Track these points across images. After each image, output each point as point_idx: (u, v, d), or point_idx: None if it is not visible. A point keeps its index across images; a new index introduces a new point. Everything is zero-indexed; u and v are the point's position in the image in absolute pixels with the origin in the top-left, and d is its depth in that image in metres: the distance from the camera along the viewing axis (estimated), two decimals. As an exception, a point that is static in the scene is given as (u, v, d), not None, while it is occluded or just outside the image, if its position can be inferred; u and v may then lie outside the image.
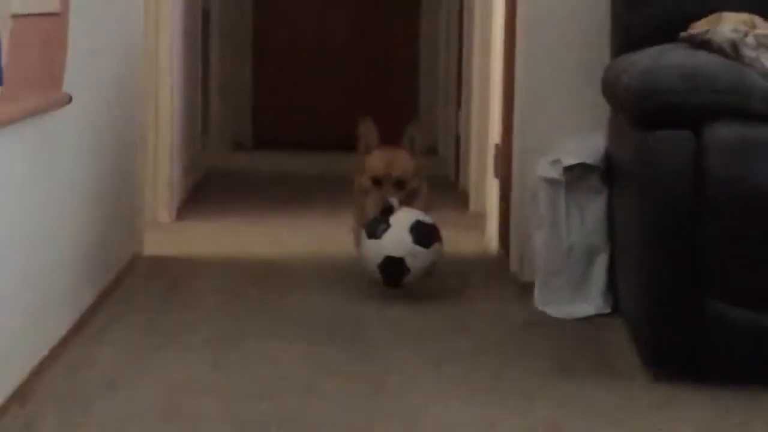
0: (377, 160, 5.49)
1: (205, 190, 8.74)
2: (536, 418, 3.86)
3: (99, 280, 5.30)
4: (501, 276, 5.99)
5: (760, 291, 4.24)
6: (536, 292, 5.35)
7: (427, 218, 5.31)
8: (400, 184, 5.40)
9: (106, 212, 5.44)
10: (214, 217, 7.67)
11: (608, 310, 5.18)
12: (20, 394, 3.90)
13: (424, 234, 5.21)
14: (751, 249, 4.24)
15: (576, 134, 5.41)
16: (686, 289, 4.28)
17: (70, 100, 4.48)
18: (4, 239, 3.70)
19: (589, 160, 5.18)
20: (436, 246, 5.26)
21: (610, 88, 4.92)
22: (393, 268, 5.14)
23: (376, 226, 5.21)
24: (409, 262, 5.11)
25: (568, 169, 5.20)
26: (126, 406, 3.94)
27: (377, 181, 5.39)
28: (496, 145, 6.56)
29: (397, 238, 5.14)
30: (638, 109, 4.43)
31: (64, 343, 4.54)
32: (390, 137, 5.83)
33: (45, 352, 4.29)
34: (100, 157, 5.34)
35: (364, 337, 4.85)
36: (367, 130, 5.62)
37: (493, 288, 5.72)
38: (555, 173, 5.23)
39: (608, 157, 5.20)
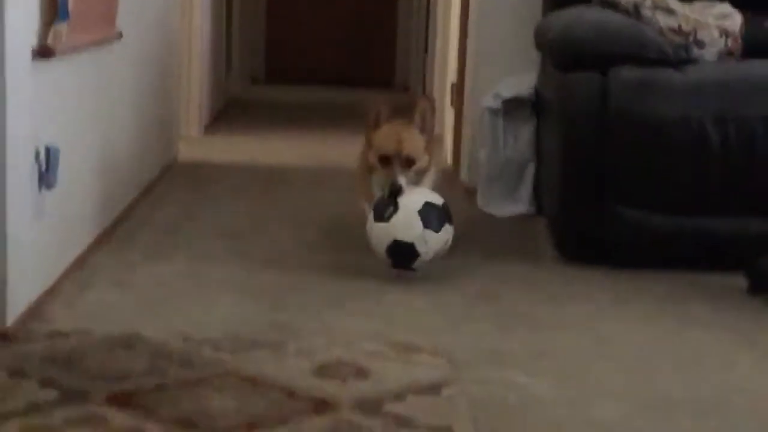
0: (386, 137, 4.12)
1: (227, 114, 8.78)
2: (476, 289, 3.96)
3: (145, 177, 5.38)
4: (453, 183, 6.03)
5: (647, 196, 4.34)
6: (479, 195, 5.45)
7: (436, 199, 4.03)
8: (409, 163, 4.07)
9: (150, 126, 5.53)
10: (232, 134, 7.74)
11: (534, 211, 5.26)
12: (79, 262, 3.97)
13: (434, 217, 3.96)
14: (642, 164, 4.34)
15: (513, 75, 5.46)
16: (592, 194, 4.37)
17: (121, 36, 4.55)
18: (74, 142, 3.77)
19: (522, 95, 5.29)
20: (446, 228, 4.02)
21: (540, 39, 4.97)
22: (402, 252, 3.95)
23: (383, 208, 3.95)
24: (419, 246, 3.92)
25: (506, 102, 5.29)
26: (161, 272, 4.03)
27: (385, 160, 4.07)
28: (453, 83, 6.64)
29: (405, 221, 3.90)
30: (559, 55, 4.58)
31: (116, 224, 4.62)
32: (399, 112, 4.57)
33: (100, 231, 4.37)
34: (145, 83, 5.41)
35: (344, 227, 4.83)
36: (377, 105, 4.23)
37: (447, 192, 5.76)
38: (496, 104, 5.31)
39: (537, 93, 5.25)
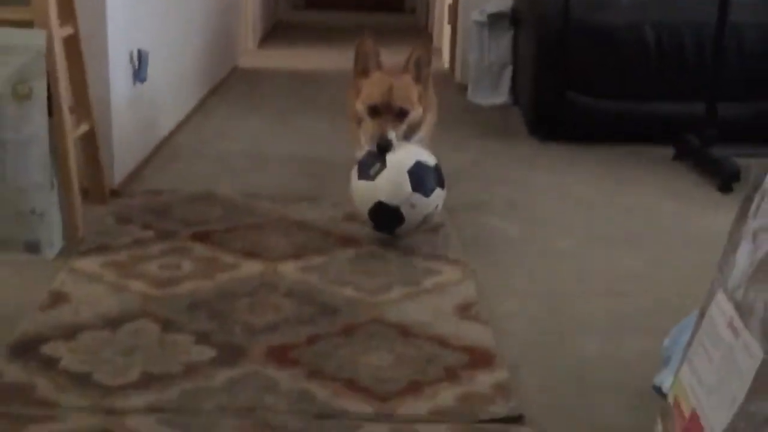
0: (376, 86, 2.93)
1: (275, 33, 8.66)
2: (466, 158, 4.00)
3: (214, 77, 5.37)
4: (449, 82, 6.01)
5: (598, 87, 4.34)
6: (469, 90, 5.43)
7: (429, 158, 2.84)
8: (401, 115, 2.90)
9: (218, 37, 5.50)
10: (280, 48, 7.65)
11: (511, 101, 5.25)
12: (166, 139, 4.02)
13: (425, 178, 2.78)
14: (595, 62, 4.34)
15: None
16: (555, 86, 4.38)
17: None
18: (160, 46, 3.78)
19: (503, 10, 5.22)
20: (437, 192, 2.82)
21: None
22: (386, 215, 2.78)
23: (369, 165, 2.79)
24: (405, 210, 2.76)
25: (490, 16, 5.24)
26: (227, 147, 4.07)
27: (375, 111, 2.90)
28: (449, 4, 6.52)
29: (393, 182, 2.75)
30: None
31: (193, 112, 4.65)
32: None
33: (180, 116, 4.41)
34: (214, 3, 5.33)
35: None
36: (367, 48, 2.99)
37: (445, 87, 5.76)
38: (482, 18, 5.26)
39: (514, 9, 5.19)
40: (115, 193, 3.19)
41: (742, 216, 1.46)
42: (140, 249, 2.71)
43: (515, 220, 3.18)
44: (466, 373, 2.06)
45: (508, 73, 5.25)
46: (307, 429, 1.81)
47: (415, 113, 2.93)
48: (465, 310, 2.39)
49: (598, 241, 3.00)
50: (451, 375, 2.04)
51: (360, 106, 2.93)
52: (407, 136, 2.92)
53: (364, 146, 2.93)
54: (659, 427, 1.49)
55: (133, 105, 3.44)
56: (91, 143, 2.98)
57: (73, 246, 2.69)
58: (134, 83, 3.45)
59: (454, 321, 2.32)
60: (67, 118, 2.69)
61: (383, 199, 2.75)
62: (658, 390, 1.83)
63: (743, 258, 1.40)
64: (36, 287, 2.40)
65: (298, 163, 3.84)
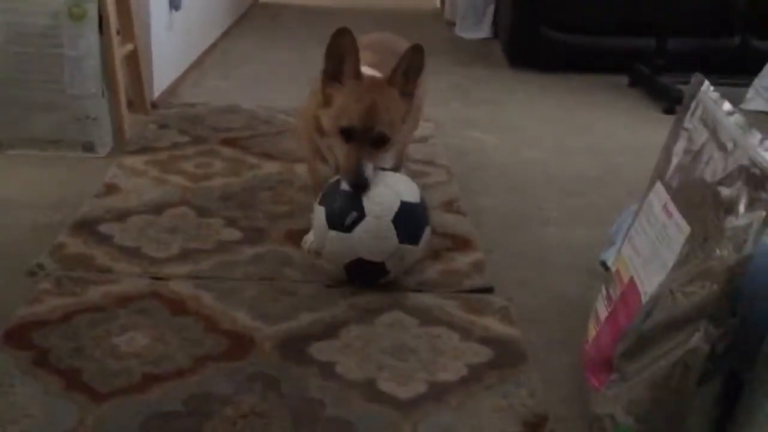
0: (353, 102, 1.84)
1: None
2: (452, 83, 3.98)
3: (239, 10, 5.28)
4: (439, 18, 5.92)
5: (567, 23, 4.29)
6: (456, 25, 5.34)
7: (413, 191, 1.91)
8: (381, 143, 1.87)
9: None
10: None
11: (492, 35, 5.17)
12: (197, 61, 3.99)
13: (412, 224, 1.88)
14: (564, 1, 4.27)
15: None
16: (531, 21, 4.33)
17: None
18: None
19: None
20: (426, 233, 1.93)
21: None
22: (367, 271, 1.87)
23: (342, 211, 1.83)
24: (391, 265, 1.87)
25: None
26: (251, 69, 4.05)
27: (349, 134, 1.84)
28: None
29: (375, 235, 1.82)
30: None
31: (220, 38, 4.59)
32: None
33: (210, 41, 4.36)
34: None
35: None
36: (345, 45, 1.85)
37: (435, 24, 5.68)
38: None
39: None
40: (154, 105, 3.19)
41: (679, 120, 1.49)
42: (178, 150, 2.74)
43: (493, 133, 3.20)
44: (447, 255, 2.12)
45: (491, 10, 5.17)
46: (317, 295, 1.87)
47: (397, 138, 1.89)
48: (449, 205, 2.44)
49: (562, 151, 3.04)
50: (435, 255, 2.10)
51: (330, 124, 1.84)
52: (381, 161, 1.89)
53: (326, 169, 1.97)
54: (603, 292, 1.55)
55: (169, 30, 3.41)
56: (134, 61, 2.97)
57: (121, 147, 2.71)
58: (171, 11, 3.41)
59: (439, 213, 2.37)
60: (115, 37, 2.68)
61: (364, 255, 1.82)
62: (604, 264, 1.89)
63: (679, 153, 1.44)
64: (92, 179, 2.43)
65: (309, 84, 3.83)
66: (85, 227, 2.12)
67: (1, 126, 2.60)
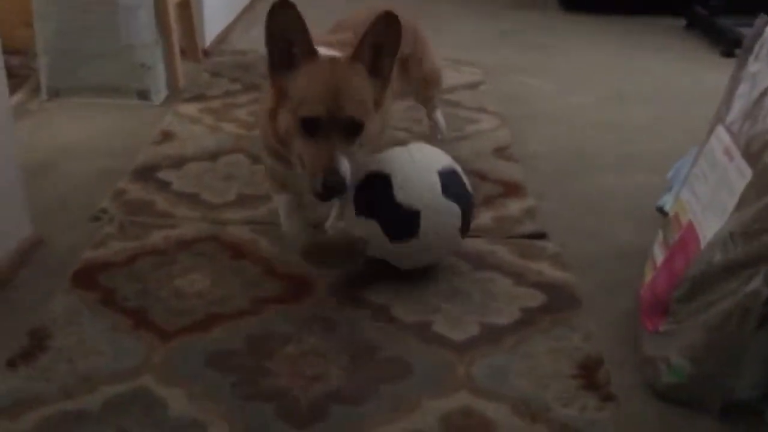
0: (313, 86, 1.45)
1: None
2: (503, 28, 3.91)
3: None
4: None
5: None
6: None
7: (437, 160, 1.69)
8: (352, 131, 1.47)
9: None
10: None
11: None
12: (246, 10, 3.99)
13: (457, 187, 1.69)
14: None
15: None
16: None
17: None
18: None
19: None
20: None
21: None
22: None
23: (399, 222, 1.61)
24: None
25: None
26: (302, 13, 4.01)
27: (314, 126, 1.45)
28: None
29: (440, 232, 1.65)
30: None
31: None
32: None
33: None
34: None
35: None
36: (289, 23, 1.45)
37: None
38: None
39: None
40: (206, 53, 3.22)
41: (742, 62, 1.46)
42: (230, 98, 2.77)
43: (544, 78, 3.15)
44: (500, 201, 2.12)
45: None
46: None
47: (372, 126, 1.52)
48: (500, 151, 2.43)
49: (616, 96, 2.98)
50: (488, 202, 2.11)
51: (288, 120, 1.48)
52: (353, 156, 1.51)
53: (292, 182, 1.65)
54: (660, 236, 1.55)
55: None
56: (186, 10, 2.99)
57: (176, 94, 2.76)
58: (220, -42, 3.42)
59: (491, 160, 2.37)
60: (167, -14, 2.70)
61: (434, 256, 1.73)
62: (661, 210, 1.88)
63: (741, 97, 1.41)
64: (148, 127, 2.49)
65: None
66: (145, 174, 2.17)
67: (59, 75, 2.66)
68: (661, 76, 3.25)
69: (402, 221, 1.62)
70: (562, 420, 1.34)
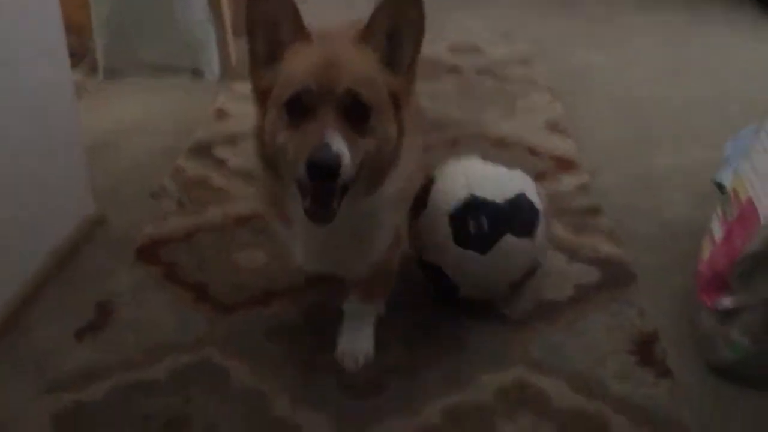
0: (303, 60, 1.14)
1: None
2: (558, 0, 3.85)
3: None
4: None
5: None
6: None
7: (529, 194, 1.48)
8: (355, 111, 1.11)
9: None
10: None
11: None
12: None
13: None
14: None
15: None
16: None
17: None
18: None
19: None
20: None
21: None
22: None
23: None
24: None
25: None
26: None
27: (302, 105, 1.11)
28: None
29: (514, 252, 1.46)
30: None
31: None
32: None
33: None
34: None
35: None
36: (274, 8, 1.17)
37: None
38: None
39: None
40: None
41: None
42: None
43: (600, 52, 3.10)
44: (553, 176, 2.12)
45: None
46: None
47: (390, 126, 1.18)
48: (553, 126, 2.42)
49: (674, 69, 2.93)
50: (540, 177, 2.10)
51: (272, 121, 1.18)
52: (371, 180, 1.20)
53: (290, 201, 1.25)
54: (718, 212, 1.54)
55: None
56: (237, -13, 3.02)
57: (229, 72, 2.80)
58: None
59: (543, 134, 2.36)
60: (219, -36, 2.73)
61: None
62: (718, 185, 1.86)
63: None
64: (203, 105, 2.53)
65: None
66: (201, 151, 2.22)
67: (115, 54, 2.72)
68: (722, 49, 3.17)
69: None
70: (618, 395, 1.36)
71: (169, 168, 2.13)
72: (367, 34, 1.18)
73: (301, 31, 1.19)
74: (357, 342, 1.43)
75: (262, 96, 1.21)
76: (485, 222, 1.41)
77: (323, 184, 1.09)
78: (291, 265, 1.45)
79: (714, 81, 2.82)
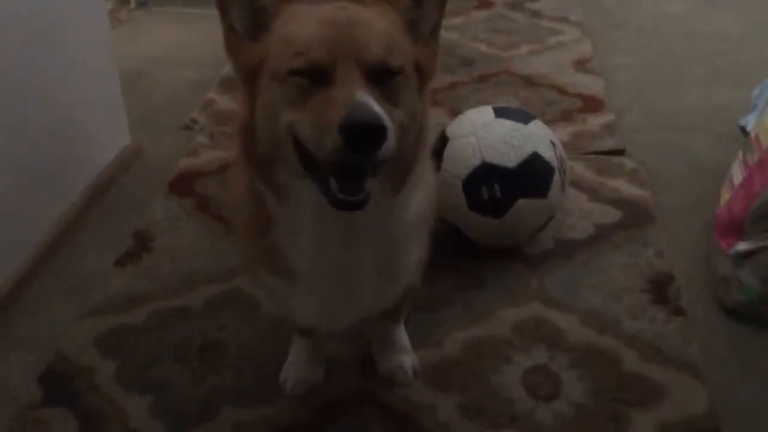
0: (308, 21, 0.89)
1: None
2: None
3: None
4: None
5: None
6: None
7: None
8: (381, 73, 0.86)
9: None
10: None
11: None
12: None
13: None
14: None
15: None
16: None
17: None
18: None
19: None
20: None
21: None
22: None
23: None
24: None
25: None
26: None
27: (318, 71, 0.85)
28: None
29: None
30: None
31: None
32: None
33: None
34: None
35: None
36: None
37: None
38: None
39: None
40: None
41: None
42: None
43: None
44: (579, 116, 2.14)
45: None
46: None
47: (412, 91, 0.95)
48: (581, 64, 2.43)
49: (704, 5, 2.88)
50: (566, 116, 2.13)
51: (267, 103, 0.92)
52: (399, 168, 0.96)
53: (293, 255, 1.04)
54: (740, 156, 1.56)
55: None
56: None
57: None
58: None
59: (571, 73, 2.37)
60: None
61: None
62: (743, 129, 1.87)
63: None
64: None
65: None
66: (231, 84, 2.26)
67: (146, -16, 2.75)
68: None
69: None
70: (630, 332, 1.42)
71: (200, 100, 2.18)
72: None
73: None
74: (399, 356, 1.32)
75: (248, 77, 0.93)
76: (498, 189, 1.43)
77: (362, 156, 0.81)
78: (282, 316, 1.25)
79: (749, 16, 2.77)
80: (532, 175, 1.48)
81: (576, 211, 1.74)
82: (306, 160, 0.88)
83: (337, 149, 0.81)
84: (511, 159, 1.46)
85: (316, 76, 0.86)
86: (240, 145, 0.96)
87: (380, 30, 0.90)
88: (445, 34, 2.33)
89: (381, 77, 0.87)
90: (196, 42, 2.55)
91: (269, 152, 0.92)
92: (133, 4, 2.78)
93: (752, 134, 1.55)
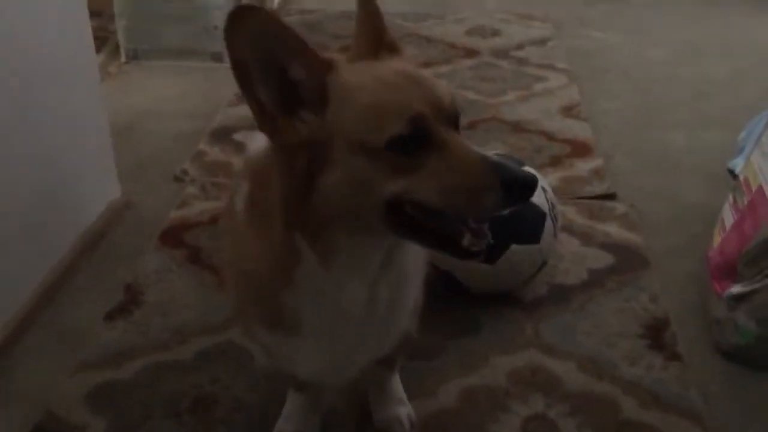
0: (389, 87, 0.86)
1: None
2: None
3: None
4: None
5: None
6: None
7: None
8: (455, 123, 0.89)
9: None
10: None
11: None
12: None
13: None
14: None
15: None
16: None
17: None
18: None
19: None
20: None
21: None
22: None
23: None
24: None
25: None
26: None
27: (423, 136, 0.83)
28: None
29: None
30: None
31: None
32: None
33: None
34: None
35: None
36: (271, 35, 0.84)
37: None
38: None
39: None
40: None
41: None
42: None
43: (615, 32, 3.12)
44: (568, 161, 2.16)
45: None
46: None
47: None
48: (569, 110, 2.45)
49: (690, 51, 2.94)
50: (555, 162, 2.15)
51: (354, 160, 0.87)
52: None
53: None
54: (730, 199, 1.57)
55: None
56: (255, -30, 3.06)
57: (248, 56, 2.84)
58: None
59: (559, 119, 2.39)
60: (238, -53, 2.77)
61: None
62: (731, 172, 1.89)
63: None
64: (223, 89, 2.57)
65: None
66: (222, 136, 2.28)
67: (137, 37, 2.77)
68: (740, 30, 3.17)
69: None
70: (628, 378, 1.41)
71: (190, 152, 2.18)
72: (389, 44, 1.01)
73: (319, 55, 0.88)
74: (395, 407, 1.31)
75: (291, 150, 0.88)
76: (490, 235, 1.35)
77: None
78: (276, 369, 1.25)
79: (732, 61, 2.83)
80: (524, 221, 1.49)
81: (569, 256, 1.74)
82: (397, 219, 0.87)
83: (498, 206, 0.86)
84: (501, 206, 1.43)
85: (419, 140, 0.84)
86: (281, 215, 0.91)
87: (447, 89, 0.91)
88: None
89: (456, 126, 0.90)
90: (186, 94, 2.57)
91: (336, 218, 0.88)
92: (123, 58, 2.80)
93: (741, 177, 1.56)
